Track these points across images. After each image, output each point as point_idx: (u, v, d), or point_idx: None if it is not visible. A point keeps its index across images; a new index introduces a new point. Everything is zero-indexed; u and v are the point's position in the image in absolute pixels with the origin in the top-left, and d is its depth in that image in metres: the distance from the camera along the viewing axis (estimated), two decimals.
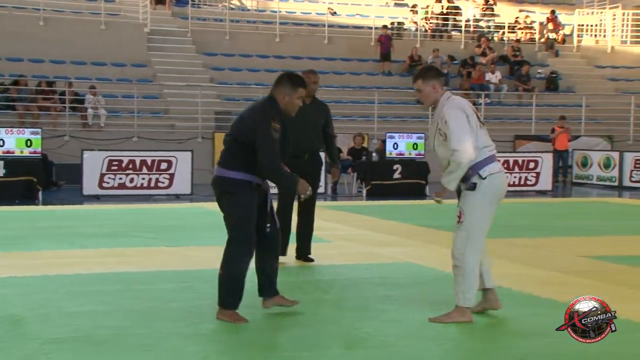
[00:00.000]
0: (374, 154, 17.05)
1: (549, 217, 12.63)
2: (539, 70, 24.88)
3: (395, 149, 16.58)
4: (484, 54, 24.38)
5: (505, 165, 17.55)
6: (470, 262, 5.17)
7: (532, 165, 17.77)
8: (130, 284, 6.66)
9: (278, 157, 5.11)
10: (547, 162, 17.93)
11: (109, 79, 20.65)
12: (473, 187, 5.16)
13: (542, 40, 26.64)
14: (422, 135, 17.20)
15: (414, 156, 16.66)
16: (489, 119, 21.47)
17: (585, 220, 12.16)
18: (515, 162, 17.71)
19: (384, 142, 16.82)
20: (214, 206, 5.75)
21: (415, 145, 16.68)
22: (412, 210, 13.73)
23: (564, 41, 26.91)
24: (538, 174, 17.75)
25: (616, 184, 18.96)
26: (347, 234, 9.98)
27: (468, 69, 23.53)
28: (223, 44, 22.98)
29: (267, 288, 5.44)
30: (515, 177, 17.56)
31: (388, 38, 23.72)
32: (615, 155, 19.39)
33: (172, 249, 8.66)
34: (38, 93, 19.18)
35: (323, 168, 8.15)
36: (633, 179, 18.72)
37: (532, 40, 26.62)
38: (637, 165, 18.75)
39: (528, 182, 17.68)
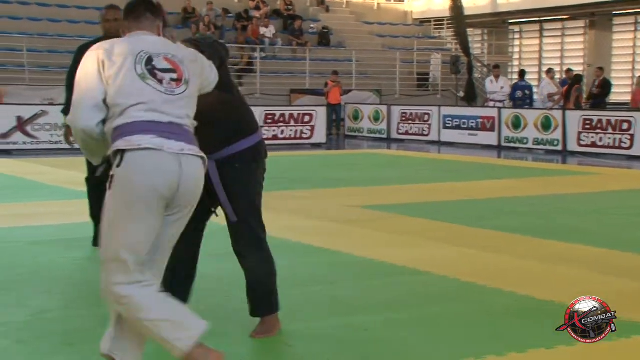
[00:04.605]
0: None
1: (323, 170, 13.01)
2: (312, 25, 25.39)
3: None
4: (257, 8, 24.45)
5: (282, 119, 17.87)
6: (128, 292, 3.12)
7: (307, 118, 18.19)
8: None
9: None
10: (321, 116, 18.45)
11: None
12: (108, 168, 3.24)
13: None
14: None
15: None
16: (265, 72, 21.67)
17: (358, 172, 12.64)
18: (291, 115, 18.06)
19: None
20: None
21: None
22: None
23: None
24: (313, 127, 18.21)
25: (385, 136, 19.91)
26: None
27: (243, 23, 23.51)
28: None
29: None
30: (291, 130, 17.93)
31: None
32: (384, 108, 20.32)
33: None
34: None
35: None
36: (400, 131, 19.73)
37: None
38: (404, 118, 19.76)
39: (303, 136, 18.11)
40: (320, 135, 18.25)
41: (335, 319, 4.43)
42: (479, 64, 25.23)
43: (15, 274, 5.34)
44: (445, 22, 26.73)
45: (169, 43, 3.38)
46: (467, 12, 23.88)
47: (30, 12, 20.97)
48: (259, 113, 17.65)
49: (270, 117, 17.76)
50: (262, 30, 23.35)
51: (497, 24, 28.18)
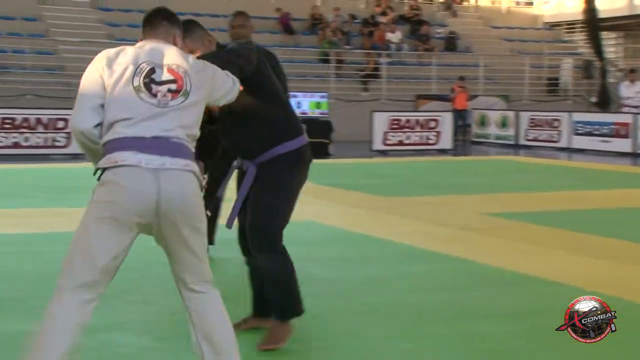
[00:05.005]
0: None
1: (449, 175, 12.89)
2: (438, 30, 25.21)
3: (299, 108, 16.55)
4: (384, 14, 24.49)
5: (407, 125, 17.83)
6: (57, 297, 3.11)
7: (433, 124, 18.07)
8: (26, 245, 6.43)
9: None
10: (447, 121, 18.28)
11: None
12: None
13: (441, 0, 26.96)
14: (325, 94, 17.26)
15: (318, 115, 16.68)
16: (391, 78, 21.68)
17: (484, 178, 12.46)
18: (417, 121, 18.00)
19: None
20: None
21: (318, 105, 16.70)
22: (316, 169, 13.75)
23: (461, 1, 27.32)
24: (439, 132, 18.07)
25: (513, 142, 19.51)
26: None
27: (369, 28, 23.62)
28: None
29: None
30: (417, 136, 17.88)
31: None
32: (511, 114, 19.92)
33: (71, 209, 8.41)
34: None
35: None
36: (528, 138, 19.29)
37: (430, 0, 26.92)
38: (532, 124, 19.32)
39: (429, 141, 17.99)
40: (446, 141, 18.09)
41: (459, 326, 4.40)
42: (613, 68, 24.36)
43: (140, 275, 5.54)
44: (578, 26, 25.94)
45: (178, 53, 3.24)
46: (601, 15, 23.10)
47: None
48: (384, 118, 17.70)
49: (395, 122, 17.76)
50: (389, 35, 23.38)
51: (634, 26, 27.10)
